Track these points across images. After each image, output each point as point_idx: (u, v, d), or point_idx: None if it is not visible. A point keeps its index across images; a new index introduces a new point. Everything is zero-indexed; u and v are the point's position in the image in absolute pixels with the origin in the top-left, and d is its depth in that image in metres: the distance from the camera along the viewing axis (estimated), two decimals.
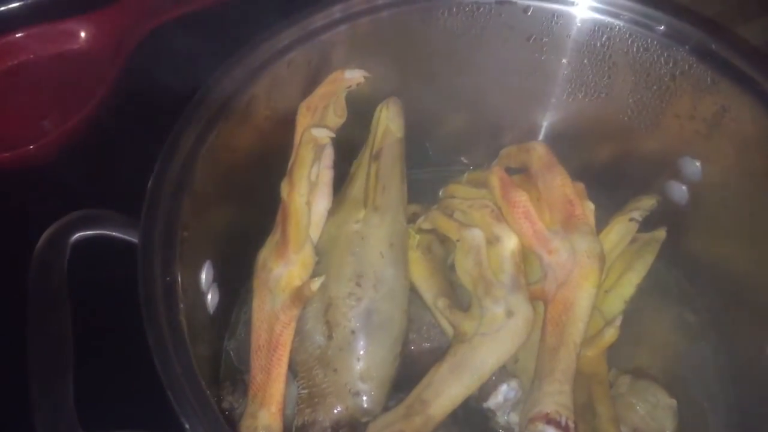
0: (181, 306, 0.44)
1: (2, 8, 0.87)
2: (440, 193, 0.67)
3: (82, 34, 0.87)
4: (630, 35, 0.58)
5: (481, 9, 0.59)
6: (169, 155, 0.48)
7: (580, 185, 0.62)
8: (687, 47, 0.56)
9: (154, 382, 0.41)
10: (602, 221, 0.62)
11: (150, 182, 0.47)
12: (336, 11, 0.56)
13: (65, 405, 0.41)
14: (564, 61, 0.62)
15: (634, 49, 0.58)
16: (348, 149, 0.63)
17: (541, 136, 0.67)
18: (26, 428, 0.41)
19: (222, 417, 0.39)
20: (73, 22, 0.86)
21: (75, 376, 0.43)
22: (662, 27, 0.57)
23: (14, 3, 0.88)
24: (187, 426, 0.38)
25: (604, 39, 0.59)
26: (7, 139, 0.77)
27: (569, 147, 0.64)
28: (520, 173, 0.64)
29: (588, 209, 0.61)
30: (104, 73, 0.82)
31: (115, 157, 0.76)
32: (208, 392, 0.40)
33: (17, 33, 0.85)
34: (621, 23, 0.58)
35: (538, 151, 0.64)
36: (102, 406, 0.43)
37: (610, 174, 0.66)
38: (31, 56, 0.85)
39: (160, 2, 0.88)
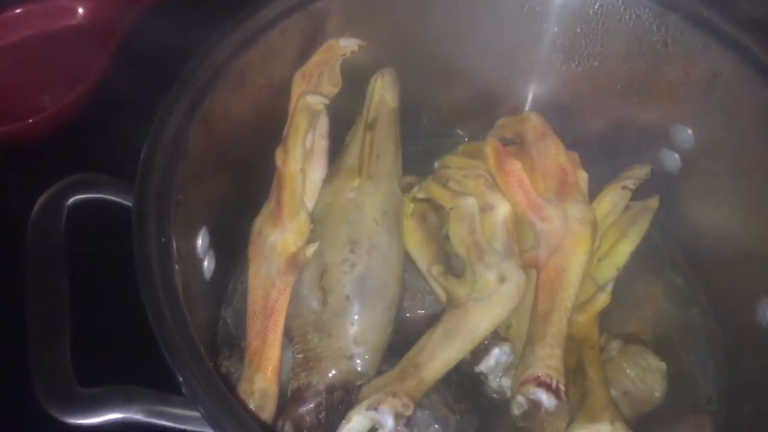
0: (176, 267, 0.44)
1: None
2: (435, 164, 0.67)
3: (80, 10, 0.87)
4: (622, 3, 0.58)
5: None
6: (164, 120, 0.49)
7: (575, 154, 0.63)
8: (679, 14, 0.56)
9: (149, 340, 0.41)
10: (597, 190, 0.63)
11: (144, 146, 0.48)
12: None
13: (62, 362, 0.42)
14: (557, 29, 0.62)
15: (627, 17, 0.59)
16: (343, 119, 0.64)
17: (535, 106, 0.67)
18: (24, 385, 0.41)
19: (213, 369, 0.40)
20: None
21: (72, 334, 0.43)
22: None
23: None
24: (180, 378, 0.39)
25: (596, 7, 0.59)
26: (7, 113, 0.78)
27: (563, 117, 0.65)
28: (516, 143, 0.65)
29: (581, 178, 0.62)
30: (102, 48, 0.83)
31: (113, 130, 0.76)
32: (200, 347, 0.41)
33: (17, 9, 0.86)
34: None
35: (533, 121, 0.64)
36: (98, 364, 0.43)
37: (604, 143, 0.66)
38: (31, 32, 0.86)
39: None
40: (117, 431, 0.42)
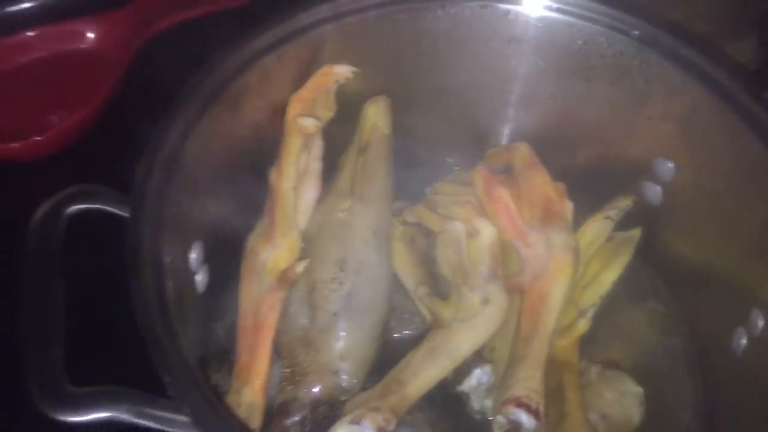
0: (167, 276, 0.46)
1: (15, 8, 0.90)
2: (427, 190, 0.69)
3: (91, 35, 0.90)
4: (606, 39, 0.61)
5: (466, 12, 0.62)
6: (161, 137, 0.51)
7: (561, 185, 0.65)
8: (659, 51, 0.59)
9: (141, 346, 0.43)
10: (581, 220, 0.65)
11: (141, 159, 0.50)
12: (323, 10, 0.59)
13: (55, 363, 0.43)
14: (542, 63, 0.65)
15: (610, 53, 0.61)
16: (338, 143, 0.66)
17: (524, 137, 0.69)
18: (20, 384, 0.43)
19: (197, 373, 0.42)
20: (81, 22, 0.90)
21: (67, 338, 0.45)
22: (636, 32, 0.59)
23: (26, 3, 0.91)
24: (166, 380, 0.41)
25: (581, 43, 0.62)
26: (16, 131, 0.80)
27: (551, 148, 0.66)
28: (505, 173, 0.67)
29: (567, 207, 0.64)
30: (110, 70, 0.86)
31: (122, 149, 0.78)
32: (187, 352, 0.43)
33: (28, 32, 0.88)
34: (598, 28, 0.60)
35: (521, 151, 0.67)
36: (91, 367, 0.45)
37: (590, 175, 0.68)
38: (42, 54, 0.89)
39: (166, 6, 0.92)
40: None
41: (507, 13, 0.62)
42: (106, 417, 0.42)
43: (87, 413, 0.42)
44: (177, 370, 0.41)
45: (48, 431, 0.43)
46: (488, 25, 0.63)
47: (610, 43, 0.61)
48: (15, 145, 0.78)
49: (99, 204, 0.50)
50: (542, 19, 0.62)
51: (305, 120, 0.59)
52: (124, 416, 0.42)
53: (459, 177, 0.70)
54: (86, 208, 0.50)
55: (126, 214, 0.49)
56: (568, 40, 0.62)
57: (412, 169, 0.73)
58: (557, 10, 0.61)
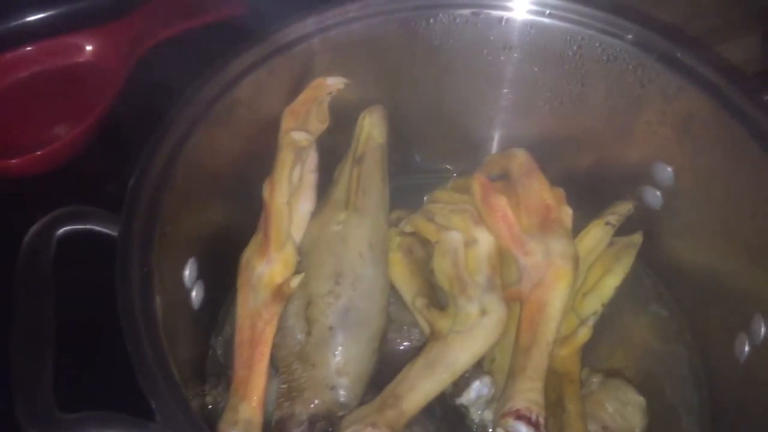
0: (157, 296, 0.46)
1: (12, 23, 0.91)
2: (425, 199, 0.68)
3: (89, 48, 0.90)
4: (600, 44, 0.60)
5: (458, 20, 0.62)
6: (151, 155, 0.51)
7: (560, 190, 0.64)
8: (654, 55, 0.58)
9: (129, 369, 0.43)
10: (581, 226, 0.64)
11: (132, 178, 0.49)
12: (310, 23, 0.58)
13: (44, 387, 0.43)
14: (537, 70, 0.64)
15: (605, 58, 0.60)
16: (333, 154, 0.66)
17: (522, 144, 0.68)
18: (6, 409, 0.43)
19: (185, 396, 0.41)
20: (80, 36, 0.90)
21: (56, 361, 0.45)
22: (630, 36, 0.59)
23: (24, 19, 0.91)
24: (153, 405, 0.40)
25: (575, 48, 0.61)
26: (16, 146, 0.80)
27: (549, 154, 0.66)
28: (503, 179, 0.66)
29: (565, 213, 0.63)
30: (109, 84, 0.86)
31: (120, 163, 0.78)
32: (176, 375, 0.42)
33: (27, 47, 0.89)
34: (591, 32, 0.60)
35: (519, 158, 0.66)
36: (80, 391, 0.45)
37: (589, 181, 0.67)
38: (40, 69, 0.89)
39: (163, 19, 0.92)
40: None
41: (500, 20, 0.61)
42: None
43: None
44: (164, 393, 0.41)
45: None
46: (481, 32, 0.63)
47: (605, 48, 0.60)
48: (14, 161, 0.78)
49: (90, 225, 0.49)
50: (536, 25, 0.61)
51: (298, 134, 0.58)
52: None
53: (456, 184, 0.70)
54: (77, 228, 0.49)
55: (115, 233, 0.48)
56: (563, 45, 0.61)
57: (408, 178, 0.73)
58: (551, 15, 0.61)
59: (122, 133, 0.81)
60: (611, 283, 0.64)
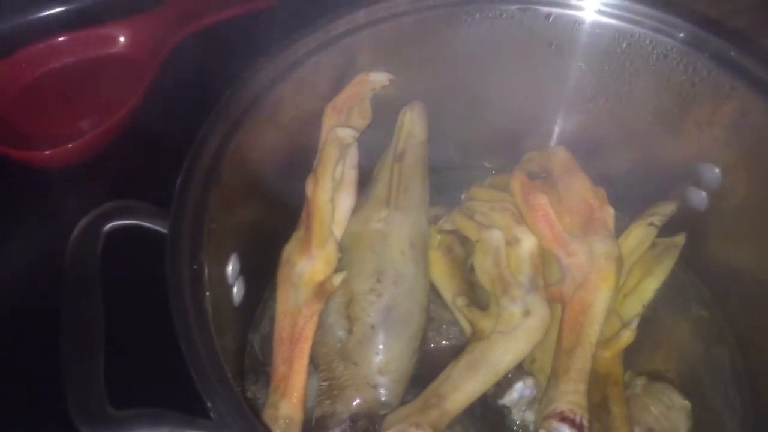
0: (207, 293, 0.46)
1: (45, 13, 0.90)
2: (462, 196, 0.68)
3: (121, 39, 0.90)
4: (650, 42, 0.59)
5: (504, 15, 0.61)
6: (198, 151, 0.50)
7: (602, 190, 0.63)
8: (706, 54, 0.57)
9: (180, 365, 0.42)
10: (623, 226, 0.63)
11: (180, 176, 0.49)
12: (360, 16, 0.58)
13: (95, 384, 0.43)
14: (584, 66, 0.63)
15: (654, 57, 0.59)
16: (373, 151, 0.65)
17: (563, 141, 0.67)
18: (59, 405, 0.43)
19: (242, 396, 0.41)
20: (112, 26, 0.90)
21: (106, 357, 0.45)
22: (682, 34, 0.57)
23: (57, 8, 0.91)
24: (209, 404, 0.40)
25: (624, 45, 0.60)
26: (48, 138, 0.80)
27: (590, 152, 0.65)
28: (542, 177, 0.65)
29: (608, 213, 0.62)
30: (141, 75, 0.85)
31: (150, 155, 0.78)
32: (229, 374, 0.42)
33: (59, 37, 0.88)
34: (641, 30, 0.59)
35: (560, 156, 0.65)
36: (130, 386, 0.44)
37: (631, 180, 0.66)
38: (72, 59, 0.89)
39: (195, 9, 0.91)
40: None
41: (548, 16, 0.60)
42: None
43: None
44: (219, 391, 0.41)
45: None
46: (528, 28, 0.62)
47: (655, 46, 0.59)
48: (46, 152, 0.78)
49: (137, 220, 0.49)
50: (585, 22, 0.60)
51: (342, 131, 0.58)
52: None
53: (495, 182, 0.69)
54: (125, 224, 0.49)
55: (163, 230, 0.48)
56: (611, 43, 0.60)
57: (447, 173, 0.72)
58: (600, 12, 0.60)
59: (152, 126, 0.81)
60: (652, 285, 0.63)
